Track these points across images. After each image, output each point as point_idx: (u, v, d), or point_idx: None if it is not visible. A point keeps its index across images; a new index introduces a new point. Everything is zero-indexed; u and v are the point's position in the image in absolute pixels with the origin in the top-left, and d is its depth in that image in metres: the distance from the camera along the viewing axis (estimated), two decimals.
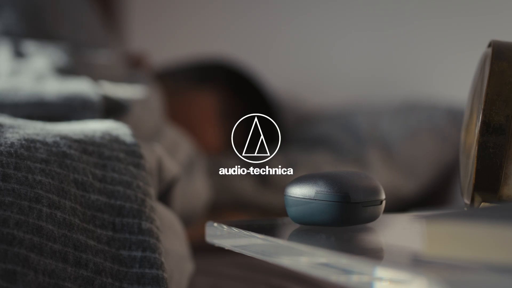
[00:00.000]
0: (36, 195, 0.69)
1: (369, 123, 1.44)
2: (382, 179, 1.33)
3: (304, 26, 1.79)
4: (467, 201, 0.70)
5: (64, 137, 0.76)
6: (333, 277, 0.54)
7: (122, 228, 0.73)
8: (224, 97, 1.43)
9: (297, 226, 0.68)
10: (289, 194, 0.66)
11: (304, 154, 1.37)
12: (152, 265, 0.72)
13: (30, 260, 0.66)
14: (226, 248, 0.68)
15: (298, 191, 0.66)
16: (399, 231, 0.69)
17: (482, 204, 0.68)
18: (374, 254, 0.60)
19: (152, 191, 0.77)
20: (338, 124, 1.47)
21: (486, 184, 0.67)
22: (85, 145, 0.77)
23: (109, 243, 0.72)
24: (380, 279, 0.51)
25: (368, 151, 1.38)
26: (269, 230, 0.67)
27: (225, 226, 0.68)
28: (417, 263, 0.50)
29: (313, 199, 0.65)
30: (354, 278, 0.53)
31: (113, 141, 0.79)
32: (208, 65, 1.49)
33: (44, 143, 0.74)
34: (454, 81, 1.44)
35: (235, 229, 0.66)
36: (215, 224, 0.69)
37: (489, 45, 0.72)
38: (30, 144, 0.73)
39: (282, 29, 1.86)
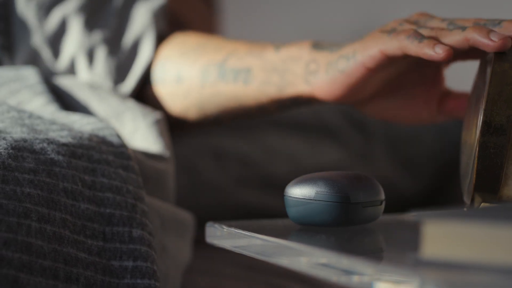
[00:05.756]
0: (24, 209, 0.67)
1: (375, 123, 1.43)
2: (387, 177, 1.32)
3: (307, 19, 1.79)
4: (467, 201, 0.70)
5: (51, 142, 0.74)
6: (333, 277, 0.54)
7: (112, 237, 0.72)
8: None
9: (297, 226, 0.68)
10: (289, 195, 0.66)
11: (310, 152, 1.33)
12: (144, 275, 0.71)
13: (19, 281, 0.64)
14: (226, 248, 0.68)
15: (298, 192, 0.66)
16: (399, 231, 0.69)
17: (482, 204, 0.67)
18: (374, 254, 0.60)
19: (143, 193, 0.76)
20: (344, 116, 1.45)
21: (486, 184, 0.67)
22: (74, 148, 0.74)
23: (100, 254, 0.71)
24: (380, 279, 0.50)
25: (375, 147, 1.37)
26: (269, 230, 0.67)
27: (225, 227, 0.68)
28: (417, 263, 0.50)
29: (313, 200, 0.65)
30: (355, 279, 0.53)
31: (101, 142, 0.77)
32: None
33: (31, 150, 0.72)
34: (456, 80, 1.44)
35: (235, 230, 0.66)
36: (215, 225, 0.68)
37: None
38: (17, 153, 0.71)
39: (285, 20, 1.85)
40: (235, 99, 0.90)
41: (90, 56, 0.95)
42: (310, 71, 0.84)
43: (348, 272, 0.53)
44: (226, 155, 1.27)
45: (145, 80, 0.95)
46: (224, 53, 0.91)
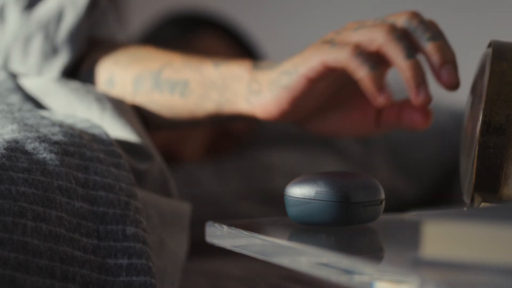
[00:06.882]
0: (20, 208, 0.67)
1: None
2: (388, 184, 1.32)
3: (307, 22, 1.79)
4: (467, 201, 0.70)
5: (43, 140, 0.73)
6: (333, 277, 0.54)
7: (106, 235, 0.72)
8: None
9: (297, 226, 0.68)
10: (289, 194, 0.66)
11: (310, 164, 1.33)
12: (139, 272, 0.71)
13: (16, 281, 0.64)
14: (227, 248, 0.68)
15: (298, 191, 0.66)
16: (399, 231, 0.69)
17: (482, 204, 0.68)
18: (374, 254, 0.60)
19: (136, 190, 0.75)
20: None
21: (486, 184, 0.67)
22: (66, 146, 0.74)
23: (95, 252, 0.71)
24: (380, 279, 0.51)
25: (374, 154, 1.37)
26: (269, 230, 0.67)
27: (225, 226, 0.68)
28: (417, 263, 0.50)
29: (313, 199, 0.65)
30: (355, 278, 0.53)
31: (92, 140, 0.77)
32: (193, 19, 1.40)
33: (24, 151, 0.71)
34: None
35: (235, 229, 0.66)
36: (215, 224, 0.69)
37: (489, 45, 0.72)
38: (11, 153, 0.70)
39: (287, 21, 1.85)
40: (169, 109, 0.88)
41: (26, 46, 0.92)
42: (252, 91, 0.83)
43: (348, 272, 0.53)
44: (226, 169, 1.27)
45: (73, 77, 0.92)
46: (160, 63, 0.89)
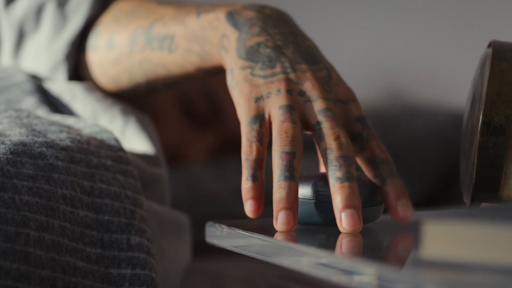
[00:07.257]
0: (23, 218, 0.66)
1: (377, 128, 1.43)
2: None
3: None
4: (467, 201, 0.70)
5: (51, 146, 0.73)
6: (333, 277, 0.54)
7: (110, 245, 0.71)
8: None
9: (297, 226, 0.68)
10: None
11: (311, 167, 1.32)
12: (142, 283, 0.70)
13: None
14: (226, 248, 0.68)
15: (298, 192, 0.66)
16: (399, 231, 0.69)
17: (482, 204, 0.68)
18: (374, 254, 0.60)
19: (142, 198, 0.75)
20: None
21: (486, 184, 0.67)
22: (73, 153, 0.74)
23: (98, 261, 0.70)
24: (380, 279, 0.51)
25: None
26: (269, 230, 0.67)
27: (225, 227, 0.68)
28: (417, 263, 0.50)
29: (313, 199, 0.65)
30: (355, 278, 0.53)
31: (99, 146, 0.76)
32: None
33: (30, 155, 0.71)
34: (456, 83, 1.44)
35: (235, 229, 0.66)
36: (215, 225, 0.69)
37: (489, 45, 0.72)
38: (16, 158, 0.70)
39: None
40: (162, 66, 0.84)
41: (38, 15, 0.91)
42: (223, 46, 0.77)
43: (348, 272, 0.53)
44: (227, 168, 1.26)
45: (80, 47, 0.90)
46: (152, 18, 0.84)
